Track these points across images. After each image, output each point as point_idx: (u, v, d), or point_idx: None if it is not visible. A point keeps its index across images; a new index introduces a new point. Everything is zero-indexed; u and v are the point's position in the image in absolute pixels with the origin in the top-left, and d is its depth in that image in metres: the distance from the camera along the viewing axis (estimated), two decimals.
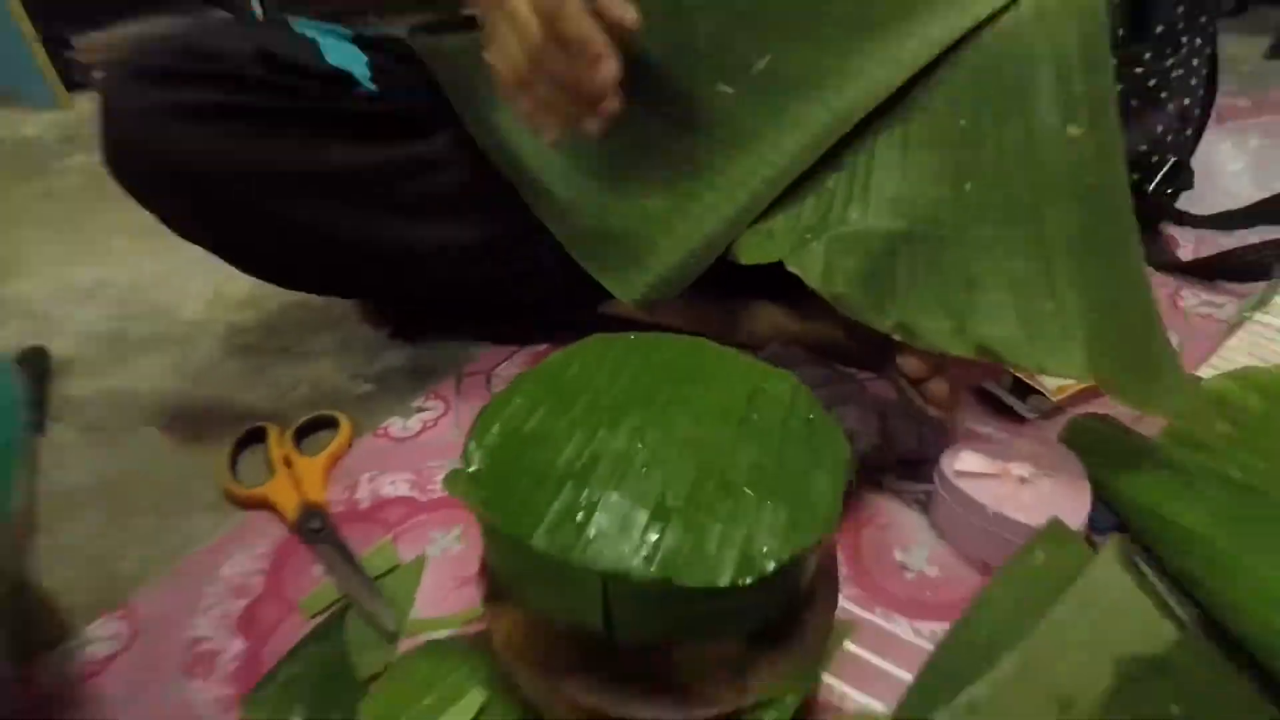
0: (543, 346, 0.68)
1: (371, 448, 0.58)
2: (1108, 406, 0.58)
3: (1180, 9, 0.68)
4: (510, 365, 0.66)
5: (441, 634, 0.43)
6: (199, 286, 0.83)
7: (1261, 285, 0.66)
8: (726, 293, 0.62)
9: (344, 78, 0.57)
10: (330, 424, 0.60)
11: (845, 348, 0.58)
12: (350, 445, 0.59)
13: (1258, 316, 0.59)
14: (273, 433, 0.58)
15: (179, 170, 0.51)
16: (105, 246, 0.95)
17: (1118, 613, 0.37)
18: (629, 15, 0.42)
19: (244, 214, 0.54)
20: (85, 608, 0.47)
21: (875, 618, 0.44)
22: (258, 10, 1.70)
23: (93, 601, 0.47)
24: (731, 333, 0.64)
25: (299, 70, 0.54)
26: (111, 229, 1.00)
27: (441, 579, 0.47)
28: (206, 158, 0.51)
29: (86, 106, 1.51)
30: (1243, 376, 0.48)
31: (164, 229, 0.58)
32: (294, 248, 0.57)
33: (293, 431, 0.59)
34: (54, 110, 1.49)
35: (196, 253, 0.60)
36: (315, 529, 0.50)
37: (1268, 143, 0.87)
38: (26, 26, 1.38)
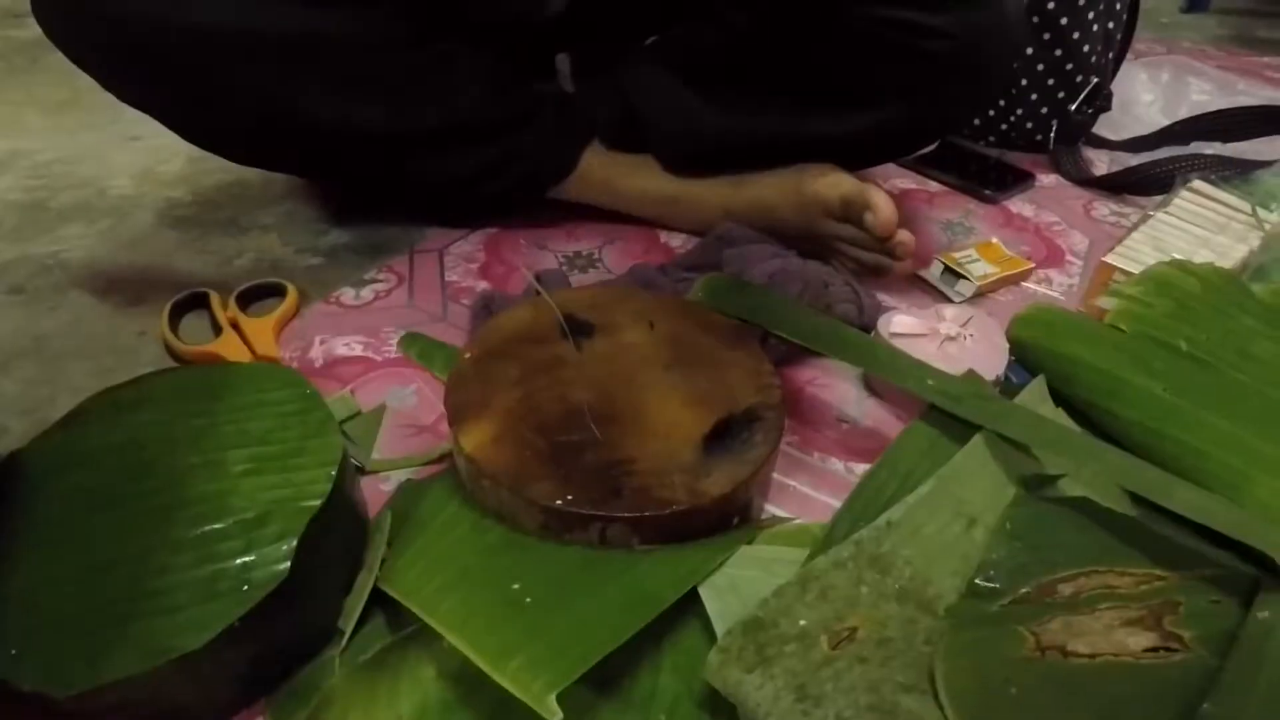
0: (492, 229, 0.68)
1: (324, 312, 0.58)
2: (1025, 292, 0.63)
3: None
4: (464, 244, 0.66)
5: (404, 472, 0.45)
6: (125, 162, 0.79)
7: (1160, 200, 0.72)
8: (691, 173, 0.63)
9: None
10: (276, 291, 0.59)
11: (792, 226, 0.61)
12: (298, 311, 0.58)
13: (1160, 215, 0.65)
14: (215, 297, 0.57)
15: (121, 29, 0.48)
16: (15, 120, 0.88)
17: (1032, 434, 0.42)
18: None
19: (192, 76, 0.52)
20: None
21: (813, 460, 0.47)
22: None
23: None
24: (680, 216, 0.66)
25: None
26: (18, 104, 0.93)
27: (399, 428, 0.48)
28: (155, 18, 0.48)
29: None
30: (1181, 265, 0.54)
31: (75, 105, 0.55)
32: (240, 115, 0.55)
33: (235, 296, 0.58)
34: None
35: (118, 131, 0.57)
36: None
37: (1178, 75, 0.94)
38: None
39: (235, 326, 0.55)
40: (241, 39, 0.50)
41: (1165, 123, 0.86)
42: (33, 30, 1.21)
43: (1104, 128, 0.87)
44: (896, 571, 0.35)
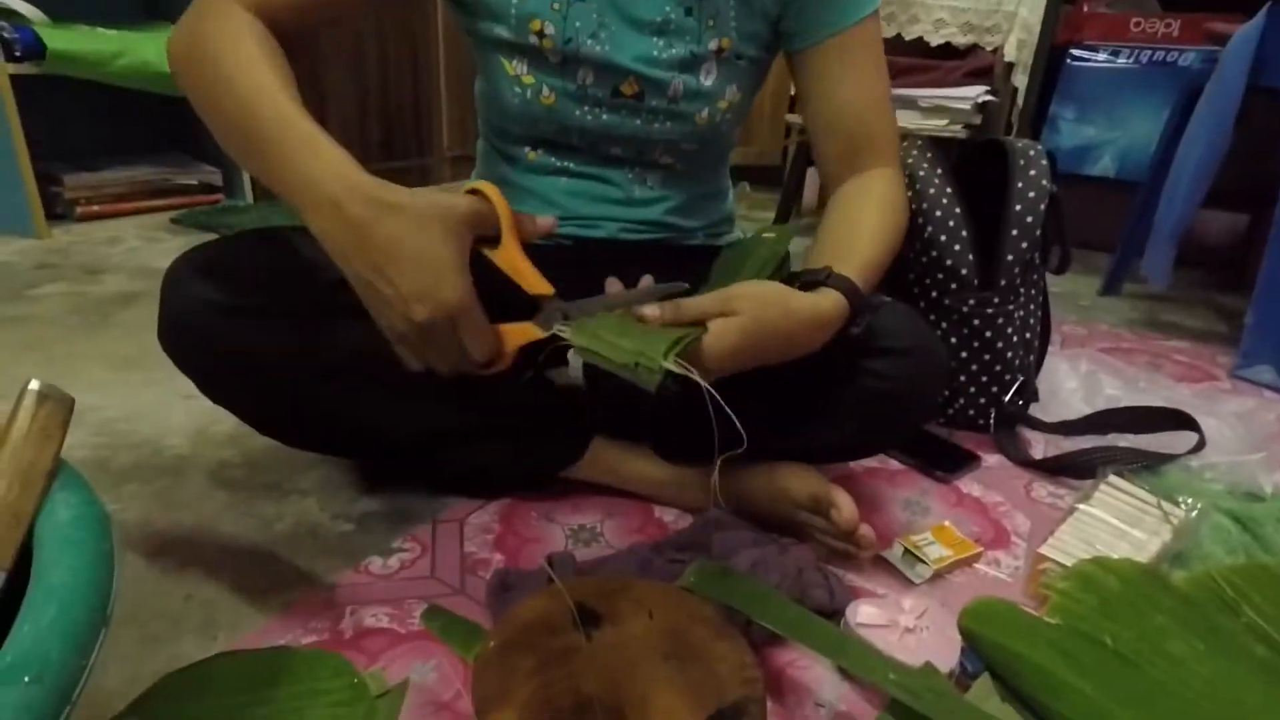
0: (507, 500, 0.78)
1: (354, 582, 0.65)
2: (977, 574, 0.72)
3: (1017, 270, 0.91)
4: (482, 514, 0.75)
5: None
6: (181, 422, 0.90)
7: (1089, 481, 0.83)
8: (678, 461, 0.75)
9: None
10: None
11: (768, 514, 0.71)
12: None
13: (1083, 507, 0.75)
14: None
15: (225, 357, 0.61)
16: (83, 375, 1.00)
17: None
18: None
19: (271, 395, 0.64)
20: None
21: None
22: (247, 181, 1.87)
23: (77, 716, 0.51)
24: (671, 497, 0.76)
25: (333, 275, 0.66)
26: (88, 357, 1.05)
27: (420, 705, 0.53)
28: (251, 349, 0.61)
29: (64, 238, 1.59)
30: (1100, 562, 0.62)
31: (140, 363, 0.66)
32: (312, 424, 0.68)
33: None
34: (32, 239, 1.55)
35: (175, 388, 0.68)
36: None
37: (1093, 368, 1.11)
38: (25, 164, 1.48)
39: None
40: (313, 371, 0.63)
41: (1087, 410, 1.00)
42: (106, 287, 1.40)
43: (1038, 411, 1.01)
44: None
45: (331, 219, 0.49)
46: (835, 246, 0.66)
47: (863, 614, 0.58)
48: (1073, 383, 1.08)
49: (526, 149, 0.75)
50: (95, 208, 1.69)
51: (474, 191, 0.57)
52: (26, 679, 0.31)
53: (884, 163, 0.72)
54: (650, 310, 0.56)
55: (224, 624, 0.60)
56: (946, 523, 0.77)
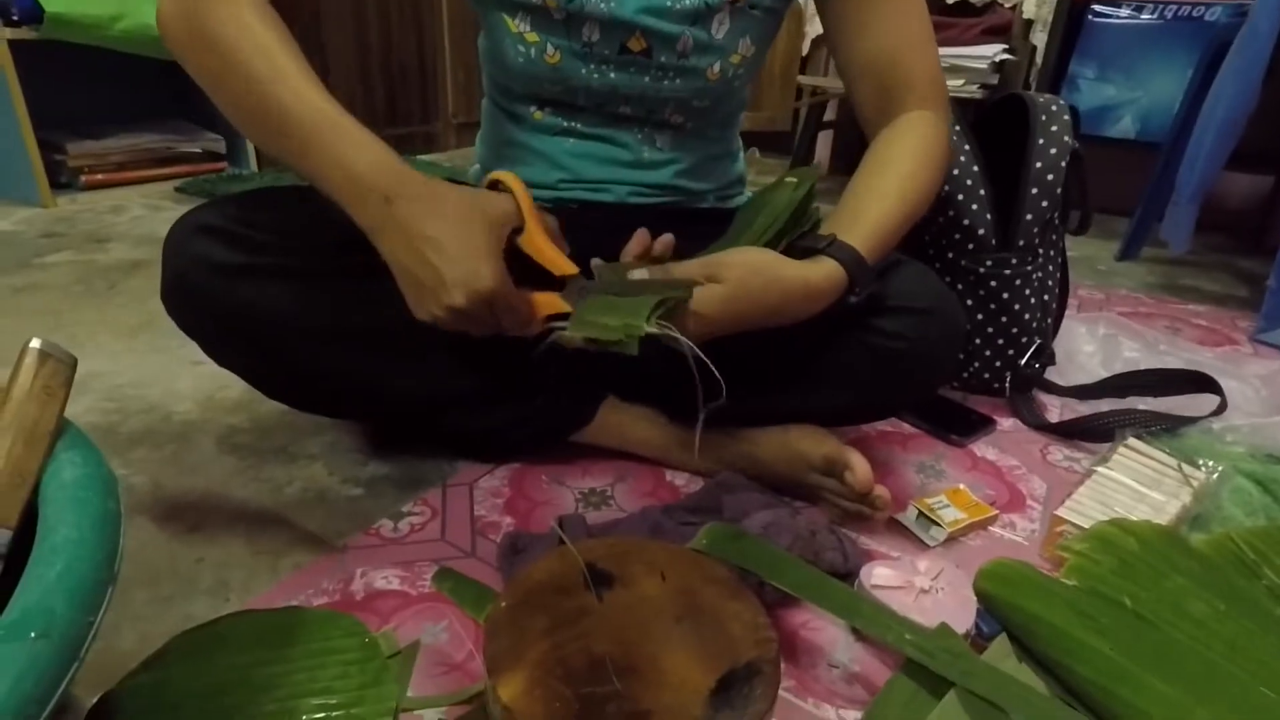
0: (517, 465, 0.77)
1: (365, 544, 0.65)
2: (992, 536, 0.71)
3: (1036, 230, 0.88)
4: (492, 479, 0.75)
5: (435, 712, 0.49)
6: (189, 387, 0.89)
7: (1106, 445, 0.82)
8: (689, 424, 0.73)
9: None
10: None
11: (782, 477, 0.70)
12: None
13: (1101, 470, 0.74)
14: None
15: (229, 319, 0.60)
16: (91, 342, 1.00)
17: (998, 692, 0.47)
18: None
19: (277, 357, 0.63)
20: (84, 683, 0.50)
21: (808, 706, 0.52)
22: (251, 149, 1.84)
23: (91, 676, 0.51)
24: (682, 461, 0.75)
25: (343, 234, 0.65)
26: (94, 325, 1.05)
27: (431, 665, 0.53)
28: (255, 311, 0.60)
29: (69, 207, 1.58)
30: (1118, 523, 0.62)
31: (147, 330, 0.66)
32: (319, 386, 0.66)
33: None
34: (37, 208, 1.55)
35: (183, 355, 0.68)
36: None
37: (1112, 331, 1.09)
38: (28, 131, 1.47)
39: None
40: (321, 332, 0.62)
41: (1105, 374, 0.99)
42: (112, 255, 1.39)
43: (1054, 375, 0.99)
44: None
45: (379, 212, 0.52)
46: (851, 207, 0.64)
47: (877, 575, 0.58)
48: (1090, 346, 1.06)
49: (533, 108, 0.73)
50: (100, 176, 1.68)
51: (495, 184, 0.60)
52: (33, 634, 0.30)
53: (925, 104, 0.67)
54: (639, 272, 0.58)
55: (236, 585, 0.60)
56: (961, 486, 0.76)
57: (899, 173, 0.65)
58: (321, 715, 0.40)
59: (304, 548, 0.64)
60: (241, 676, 0.43)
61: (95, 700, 0.42)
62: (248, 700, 0.41)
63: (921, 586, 0.57)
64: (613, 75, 0.68)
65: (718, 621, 0.50)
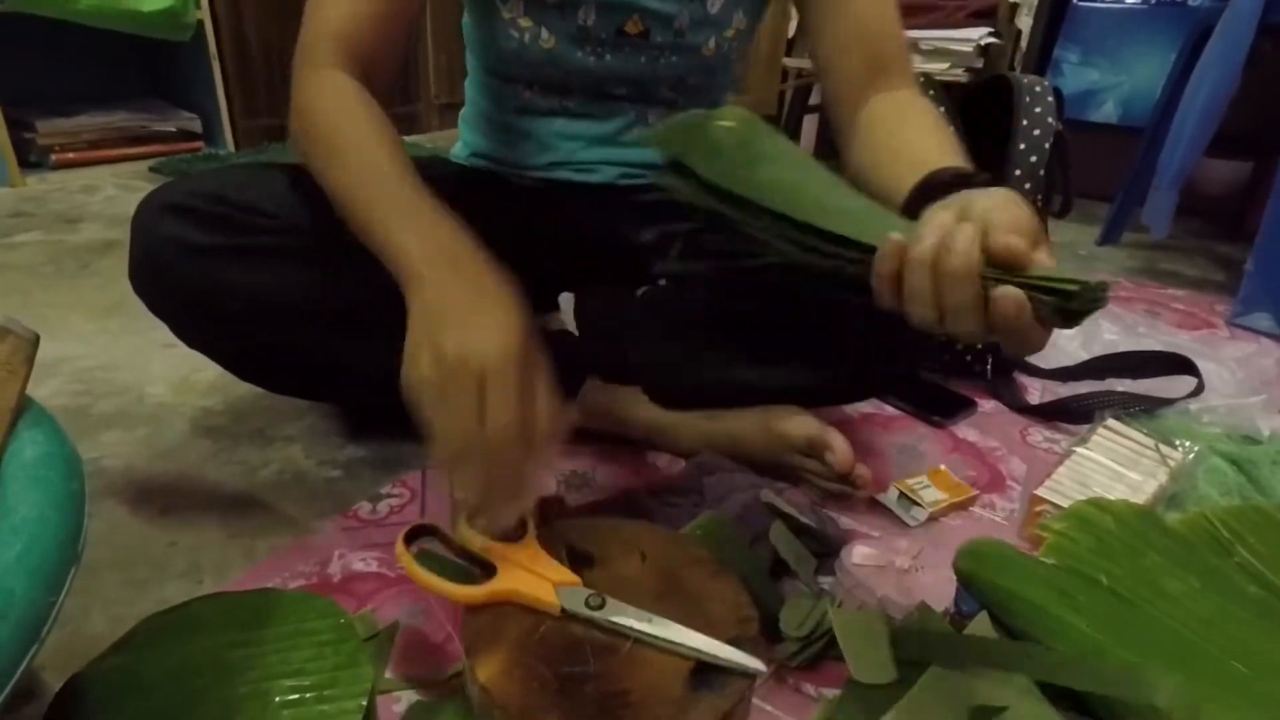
0: None
1: (343, 526, 0.64)
2: (972, 517, 0.71)
3: None
4: None
5: (414, 693, 0.49)
6: (162, 370, 0.88)
7: (1085, 427, 0.82)
8: (674, 406, 0.73)
9: None
10: None
11: (763, 458, 0.70)
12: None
13: (1080, 450, 0.74)
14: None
15: (197, 299, 0.59)
16: (62, 324, 0.97)
17: (974, 672, 0.47)
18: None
19: (248, 339, 0.62)
20: (54, 667, 0.49)
21: (787, 684, 0.52)
22: (224, 112, 1.80)
23: (61, 660, 0.50)
24: (664, 443, 0.74)
25: (314, 212, 0.63)
26: (65, 306, 1.03)
27: (410, 646, 0.53)
28: (224, 291, 0.59)
29: (39, 187, 1.54)
30: (1096, 502, 0.62)
31: (119, 312, 0.64)
32: (293, 366, 0.65)
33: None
34: (5, 187, 1.51)
35: (156, 337, 0.66)
36: None
37: (1091, 318, 1.09)
38: None
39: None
40: (294, 311, 0.61)
41: (1085, 356, 0.99)
42: (84, 235, 1.36)
43: (1034, 357, 1.00)
44: None
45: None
46: (929, 154, 0.52)
47: (858, 554, 0.58)
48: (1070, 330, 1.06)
49: (521, 87, 0.71)
50: (71, 155, 1.64)
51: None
52: None
53: (908, 84, 0.65)
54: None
55: (210, 569, 0.59)
56: (942, 467, 0.76)
57: (942, 129, 0.57)
58: (295, 697, 0.39)
59: (280, 531, 0.63)
60: (213, 659, 0.42)
61: (63, 684, 0.41)
62: (219, 682, 0.40)
63: (901, 566, 0.57)
64: (609, 58, 0.67)
65: (698, 601, 0.50)
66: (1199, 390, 0.88)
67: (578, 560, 0.52)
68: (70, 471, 0.38)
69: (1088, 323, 1.21)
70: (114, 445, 0.74)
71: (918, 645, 0.49)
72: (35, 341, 0.42)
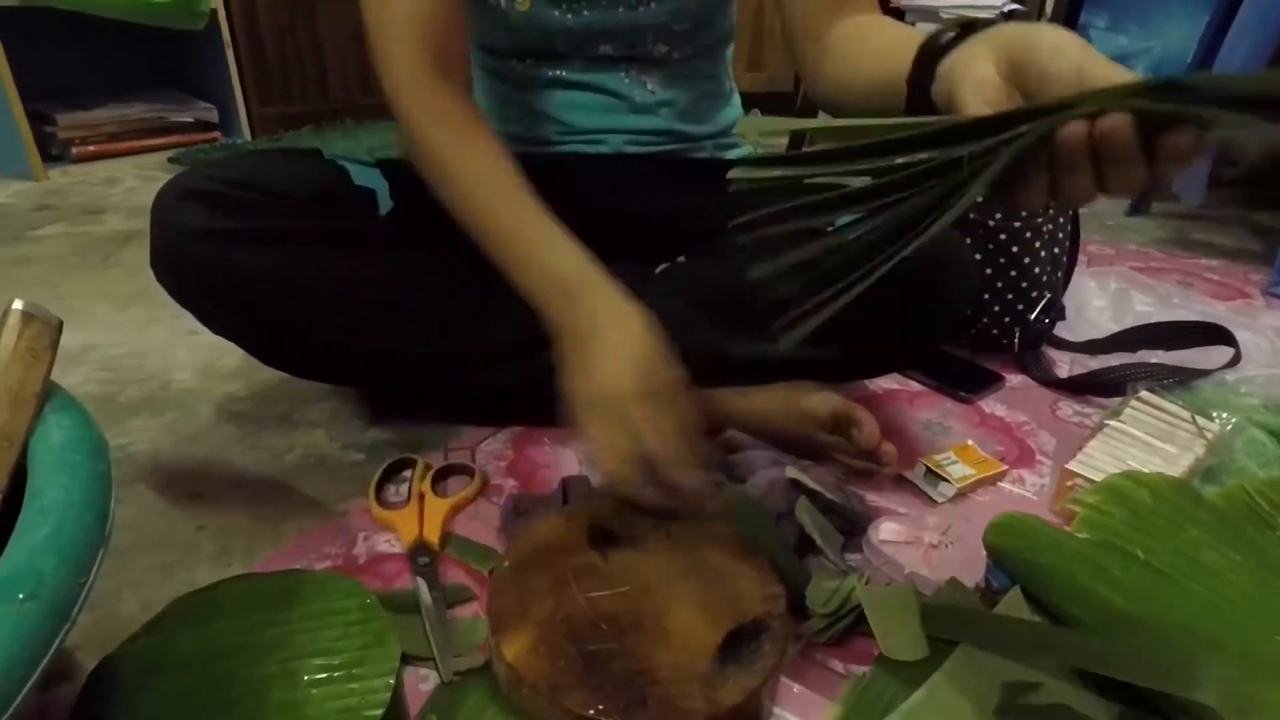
0: (518, 428, 0.76)
1: (367, 508, 0.64)
2: (1001, 492, 0.70)
3: None
4: (494, 442, 0.74)
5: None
6: (187, 357, 0.88)
7: (1117, 400, 0.80)
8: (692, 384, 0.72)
9: (370, 195, 0.66)
10: (467, 472, 0.67)
11: (788, 435, 0.69)
12: (475, 497, 0.65)
13: (1113, 423, 0.73)
14: (419, 467, 0.66)
15: (218, 284, 0.59)
16: (88, 314, 0.99)
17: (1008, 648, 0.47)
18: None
19: (271, 324, 0.62)
20: (87, 648, 0.50)
21: (816, 661, 0.52)
22: (240, 101, 1.81)
23: (94, 642, 0.50)
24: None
25: (332, 195, 0.63)
26: (91, 296, 1.04)
27: None
28: (245, 275, 0.59)
29: (61, 180, 1.56)
30: (1130, 475, 0.60)
31: (143, 300, 0.65)
32: (317, 350, 0.65)
33: (433, 472, 0.65)
34: (28, 181, 1.53)
35: (180, 325, 0.67)
36: (423, 563, 0.55)
37: (1123, 285, 1.06)
38: (15, 102, 1.44)
39: (421, 498, 0.62)
40: (316, 294, 0.61)
41: (1115, 328, 0.97)
42: (107, 226, 1.37)
43: (1063, 330, 0.98)
44: None
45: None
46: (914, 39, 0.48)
47: (885, 531, 0.57)
48: (1101, 300, 1.04)
49: (513, 60, 0.71)
50: (91, 148, 1.65)
51: None
52: (21, 596, 0.29)
53: (872, 8, 0.61)
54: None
55: (238, 551, 0.59)
56: (970, 442, 0.74)
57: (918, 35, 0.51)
58: (323, 676, 0.40)
59: (306, 513, 0.64)
60: (242, 639, 0.42)
61: (96, 665, 0.42)
62: (249, 662, 0.41)
63: (930, 542, 0.56)
64: (586, 13, 0.66)
65: (725, 578, 0.50)
66: (1236, 360, 0.86)
67: (603, 539, 0.52)
68: (96, 454, 0.38)
69: (1118, 294, 1.16)
70: (141, 432, 0.75)
71: (948, 621, 0.48)
72: (59, 327, 0.42)
